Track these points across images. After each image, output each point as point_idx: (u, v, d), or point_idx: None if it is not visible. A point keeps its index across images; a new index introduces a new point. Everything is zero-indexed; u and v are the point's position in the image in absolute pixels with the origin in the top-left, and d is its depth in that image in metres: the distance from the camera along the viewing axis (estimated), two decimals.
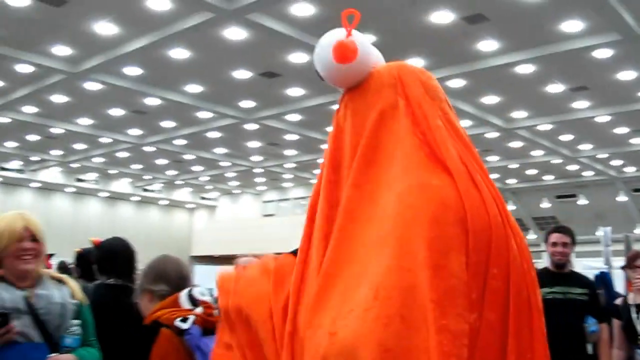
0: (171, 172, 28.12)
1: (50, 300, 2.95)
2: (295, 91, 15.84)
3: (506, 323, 1.42)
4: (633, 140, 20.02)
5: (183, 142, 21.74)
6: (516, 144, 20.81)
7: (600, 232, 11.12)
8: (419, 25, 11.60)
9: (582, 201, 26.98)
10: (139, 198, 33.00)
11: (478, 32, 11.85)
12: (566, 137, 19.83)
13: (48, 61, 14.00)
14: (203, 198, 34.68)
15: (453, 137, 1.58)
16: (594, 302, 5.32)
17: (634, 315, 5.02)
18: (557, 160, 23.04)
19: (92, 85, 15.47)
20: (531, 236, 27.83)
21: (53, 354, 2.89)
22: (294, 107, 16.98)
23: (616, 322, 5.23)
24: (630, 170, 24.71)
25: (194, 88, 15.78)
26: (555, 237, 5.35)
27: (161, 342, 2.60)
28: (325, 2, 10.79)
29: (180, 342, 2.58)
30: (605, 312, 5.41)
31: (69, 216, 30.43)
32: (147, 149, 22.67)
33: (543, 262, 6.85)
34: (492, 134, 19.04)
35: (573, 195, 27.42)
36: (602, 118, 17.35)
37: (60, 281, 3.17)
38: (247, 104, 17.12)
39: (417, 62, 13.27)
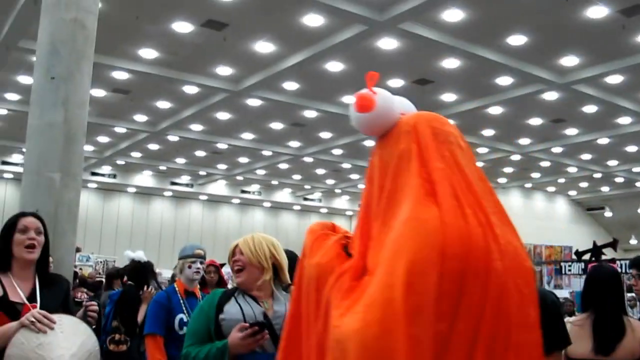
0: (330, 181, 28.78)
1: (280, 315, 3.10)
2: (448, 97, 15.91)
3: (476, 337, 1.68)
4: None
5: (340, 151, 22.26)
6: None
7: None
8: (573, 21, 11.39)
9: None
10: (299, 207, 33.99)
11: (636, 24, 11.47)
12: None
13: (212, 81, 14.90)
14: (360, 205, 35.11)
15: (455, 175, 1.84)
16: None
17: None
18: None
19: (253, 102, 16.28)
20: None
21: None
22: (448, 113, 16.93)
23: None
24: None
25: (350, 99, 16.10)
26: None
27: None
28: (475, 7, 10.86)
29: None
30: None
31: (235, 226, 31.82)
32: (306, 159, 23.40)
33: None
34: None
35: None
36: None
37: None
38: None
39: (572, 60, 13.06)
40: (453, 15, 11.17)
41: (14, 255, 3.16)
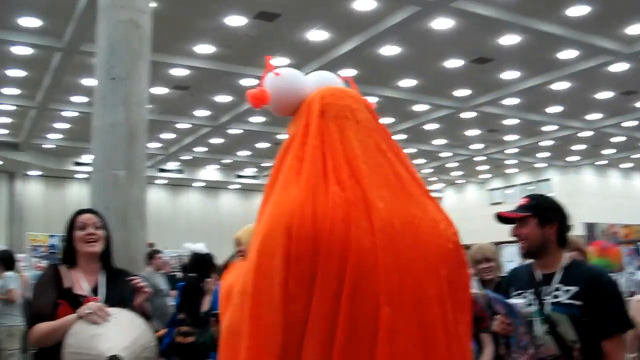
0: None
1: None
2: (510, 74, 15.64)
3: (335, 316, 1.67)
4: None
5: (402, 136, 22.17)
6: None
7: None
8: None
9: None
10: None
11: None
12: None
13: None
14: (428, 190, 34.88)
15: (333, 151, 1.88)
16: None
17: None
18: None
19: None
20: None
21: None
22: (511, 91, 16.73)
23: None
24: None
25: (408, 82, 16.11)
26: None
27: None
28: None
29: None
30: None
31: None
32: None
33: None
34: None
35: None
36: None
37: None
38: (462, 92, 17.15)
39: (638, 28, 12.63)
40: None
41: (78, 250, 3.33)
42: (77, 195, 29.24)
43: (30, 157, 24.75)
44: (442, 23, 12.21)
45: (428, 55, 14.04)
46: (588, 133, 21.84)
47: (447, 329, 1.79)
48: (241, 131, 20.87)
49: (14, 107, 18.29)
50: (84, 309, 2.93)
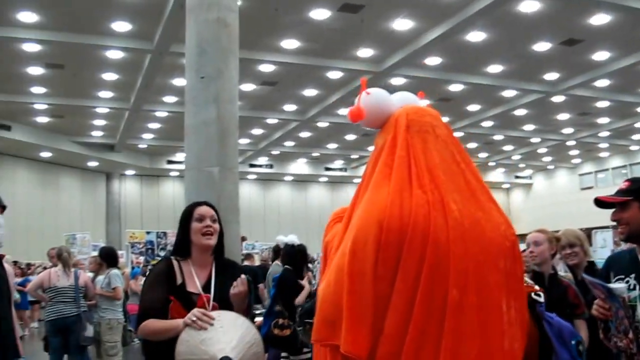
0: (483, 155, 28.26)
1: None
2: (601, 55, 15.19)
3: (414, 296, 2.06)
4: None
5: (491, 123, 21.85)
6: None
7: None
8: None
9: None
10: None
11: None
12: None
13: (355, 64, 15.07)
14: (517, 177, 34.29)
15: (417, 160, 2.24)
16: None
17: None
18: None
19: (397, 81, 16.27)
20: None
21: None
22: (602, 72, 16.24)
23: None
24: None
25: (496, 68, 15.85)
26: None
27: None
28: None
29: (530, 313, 3.00)
30: None
31: None
32: (457, 134, 22.69)
33: None
34: None
35: None
36: None
37: None
38: (552, 75, 16.76)
39: None
40: None
41: (193, 242, 3.40)
42: (171, 192, 30.12)
43: (125, 157, 25.66)
44: (529, 5, 11.96)
45: (516, 40, 13.78)
46: None
47: (502, 312, 2.15)
48: (329, 124, 20.99)
49: (109, 110, 18.96)
50: (190, 317, 3.03)
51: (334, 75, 15.76)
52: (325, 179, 31.59)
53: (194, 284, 3.32)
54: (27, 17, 12.18)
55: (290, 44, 13.73)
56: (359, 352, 2.04)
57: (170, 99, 17.85)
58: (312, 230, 27.52)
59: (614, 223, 3.26)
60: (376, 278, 2.06)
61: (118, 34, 13.04)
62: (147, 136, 23.48)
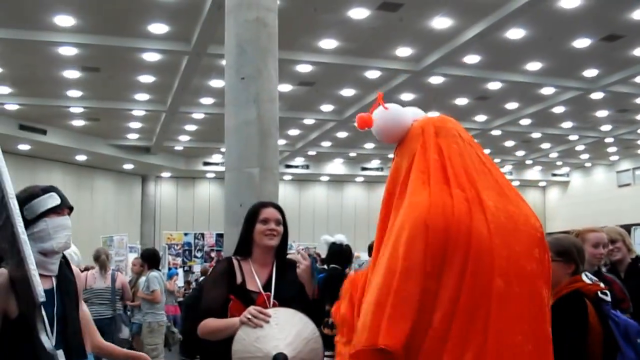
0: (520, 153, 28.00)
1: None
2: None
3: (460, 287, 2.17)
4: None
5: (529, 121, 21.62)
6: None
7: None
8: None
9: None
10: None
11: None
12: None
13: (393, 64, 15.01)
14: (554, 175, 33.93)
15: (451, 162, 2.38)
16: None
17: None
18: None
19: (436, 79, 16.20)
20: None
21: None
22: None
23: None
24: None
25: (534, 65, 15.67)
26: None
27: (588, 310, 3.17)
28: None
29: (596, 312, 3.13)
30: None
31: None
32: (494, 132, 22.90)
33: None
34: None
35: None
36: None
37: None
38: (591, 72, 16.51)
39: None
40: None
41: (255, 242, 3.42)
42: (206, 194, 30.30)
43: (161, 159, 25.85)
44: (570, 1, 11.80)
45: (555, 36, 13.60)
46: None
47: (543, 298, 2.29)
48: None
49: (145, 112, 19.10)
50: (245, 315, 3.04)
51: (372, 74, 15.69)
52: (362, 178, 31.54)
53: (254, 283, 3.34)
54: (64, 20, 12.27)
55: (328, 43, 13.70)
56: (397, 345, 2.12)
57: (207, 100, 17.92)
58: (346, 230, 27.50)
59: None
60: (424, 275, 2.17)
61: (154, 36, 13.11)
62: (184, 138, 23.61)
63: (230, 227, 7.31)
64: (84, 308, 3.42)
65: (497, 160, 29.22)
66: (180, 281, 16.52)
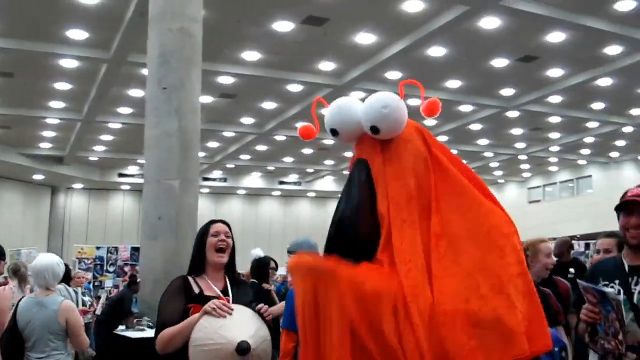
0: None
1: None
2: (555, 72, 15.40)
3: None
4: None
5: (446, 138, 22.01)
6: None
7: None
8: None
9: None
10: None
11: None
12: None
13: (316, 78, 15.01)
14: None
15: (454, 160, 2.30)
16: None
17: None
18: None
19: (358, 95, 16.22)
20: None
21: None
22: (556, 89, 16.48)
23: None
24: None
25: (454, 83, 15.95)
26: None
27: None
28: None
29: None
30: None
31: None
32: None
33: None
34: None
35: None
36: None
37: None
38: (508, 91, 16.94)
39: None
40: None
41: (207, 260, 3.48)
42: (120, 207, 29.59)
43: (74, 170, 25.09)
44: (490, 22, 12.06)
45: (475, 56, 13.89)
46: (631, 129, 21.40)
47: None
48: (286, 138, 20.86)
49: (59, 121, 18.48)
50: (210, 305, 3.09)
51: (295, 88, 15.66)
52: (279, 193, 31.45)
53: (213, 290, 3.38)
54: None
55: (251, 56, 13.59)
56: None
57: (125, 110, 17.51)
58: (261, 244, 27.43)
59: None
60: None
61: (73, 42, 12.70)
62: (99, 148, 23.01)
63: (148, 240, 7.12)
64: None
65: None
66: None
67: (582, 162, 28.09)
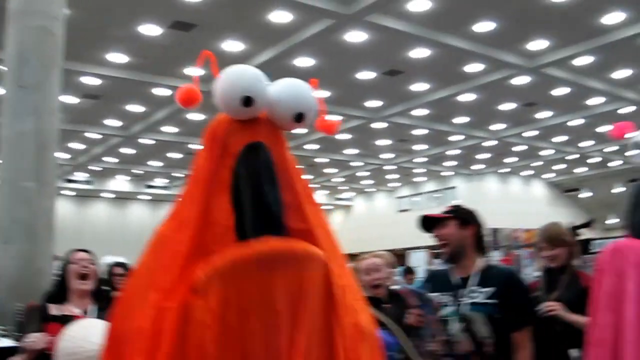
0: (306, 177, 28.69)
1: None
2: (419, 86, 15.97)
3: None
4: None
5: (315, 146, 22.31)
6: None
7: None
8: (539, 5, 11.37)
9: None
10: None
11: (602, 4, 11.50)
12: None
13: (182, 83, 14.69)
14: (338, 199, 35.20)
15: None
16: None
17: None
18: None
19: None
20: None
21: None
22: (420, 102, 17.06)
23: None
24: None
25: (321, 93, 16.06)
26: None
27: None
28: None
29: None
30: None
31: None
32: None
33: None
34: (627, 109, 18.18)
35: None
36: None
37: None
38: (374, 103, 17.41)
39: (540, 44, 13.17)
40: (419, 4, 11.19)
41: (71, 288, 3.46)
42: None
43: None
44: (355, 36, 12.38)
45: (341, 67, 14.20)
46: (492, 142, 22.45)
47: None
48: (153, 141, 20.54)
49: None
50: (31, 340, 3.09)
51: (161, 92, 15.47)
52: (147, 196, 30.88)
53: (72, 311, 3.34)
54: None
55: (117, 57, 13.34)
56: None
57: None
58: (130, 250, 26.80)
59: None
60: None
61: None
62: None
63: (1, 244, 6.88)
64: None
65: None
66: None
67: (447, 173, 29.11)
